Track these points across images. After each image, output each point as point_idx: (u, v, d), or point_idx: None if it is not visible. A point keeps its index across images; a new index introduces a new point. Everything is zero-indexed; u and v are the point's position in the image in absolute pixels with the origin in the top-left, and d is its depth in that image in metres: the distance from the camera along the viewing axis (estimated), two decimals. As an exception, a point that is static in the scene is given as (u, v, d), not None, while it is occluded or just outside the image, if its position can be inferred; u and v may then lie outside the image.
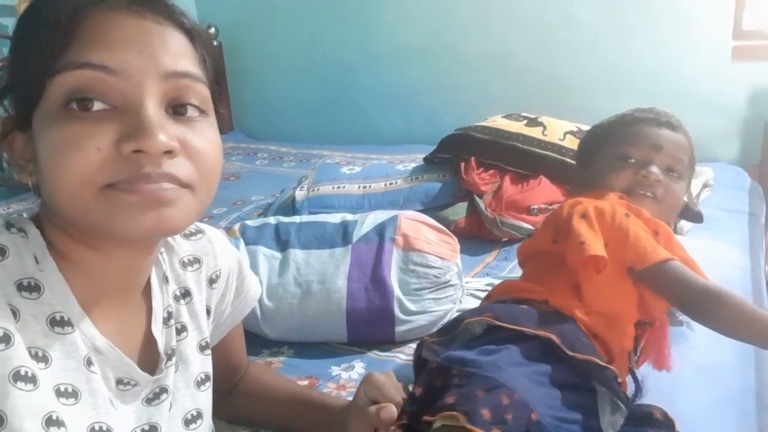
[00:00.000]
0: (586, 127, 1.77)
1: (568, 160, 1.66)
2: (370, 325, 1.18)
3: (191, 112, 0.56)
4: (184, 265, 0.73)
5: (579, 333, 0.86)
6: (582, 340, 0.85)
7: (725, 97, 2.16)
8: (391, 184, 1.77)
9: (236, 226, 1.33)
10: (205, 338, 0.74)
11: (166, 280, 0.70)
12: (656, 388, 1.00)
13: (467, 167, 1.70)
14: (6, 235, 0.55)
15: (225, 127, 3.01)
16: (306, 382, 1.09)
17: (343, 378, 1.10)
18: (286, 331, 1.21)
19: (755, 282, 1.42)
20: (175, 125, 0.54)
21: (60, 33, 0.52)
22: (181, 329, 0.71)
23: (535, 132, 1.73)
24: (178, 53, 0.55)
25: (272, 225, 1.33)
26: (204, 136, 0.56)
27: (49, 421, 0.51)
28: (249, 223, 1.36)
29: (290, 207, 1.78)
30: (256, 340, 1.22)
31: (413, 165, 1.87)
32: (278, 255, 1.26)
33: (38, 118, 0.53)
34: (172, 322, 0.69)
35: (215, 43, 2.89)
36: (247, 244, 1.28)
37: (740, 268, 1.45)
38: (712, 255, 1.48)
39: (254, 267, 1.24)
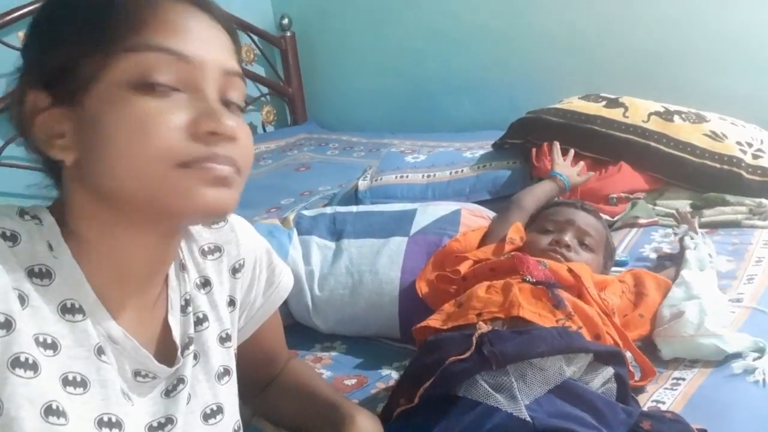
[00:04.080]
0: (674, 107, 1.61)
1: (653, 144, 1.51)
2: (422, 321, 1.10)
3: (233, 106, 0.58)
4: (203, 253, 0.71)
5: None
6: None
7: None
8: (456, 172, 1.68)
9: (291, 216, 1.30)
10: (225, 330, 0.71)
11: (183, 267, 0.68)
12: (747, 407, 0.87)
13: (539, 153, 1.58)
14: (19, 222, 0.55)
15: (299, 117, 3.04)
16: (354, 381, 1.03)
17: (393, 378, 1.04)
18: (337, 323, 1.17)
19: None
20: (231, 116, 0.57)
21: (131, 16, 0.54)
22: (202, 319, 0.69)
23: (615, 114, 1.58)
24: (230, 52, 0.59)
25: (329, 215, 1.29)
26: (245, 129, 0.58)
27: (49, 411, 0.50)
28: (305, 212, 1.33)
29: (353, 197, 1.73)
30: (309, 333, 1.19)
31: (481, 152, 1.76)
32: (332, 245, 1.22)
33: (98, 96, 0.53)
34: (190, 309, 0.67)
35: (288, 33, 2.90)
36: (300, 233, 1.24)
37: None
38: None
39: (307, 257, 1.21)
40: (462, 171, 1.68)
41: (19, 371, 0.49)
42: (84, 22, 0.54)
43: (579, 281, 0.98)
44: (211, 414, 0.67)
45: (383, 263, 1.15)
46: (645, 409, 0.88)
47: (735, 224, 1.38)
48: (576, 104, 1.65)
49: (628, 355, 0.94)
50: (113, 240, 0.57)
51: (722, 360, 0.96)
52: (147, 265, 0.61)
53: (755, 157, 1.46)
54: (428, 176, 1.70)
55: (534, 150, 1.60)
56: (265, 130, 2.94)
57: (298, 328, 1.19)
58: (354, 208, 1.32)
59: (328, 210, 1.32)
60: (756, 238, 1.31)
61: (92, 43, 0.53)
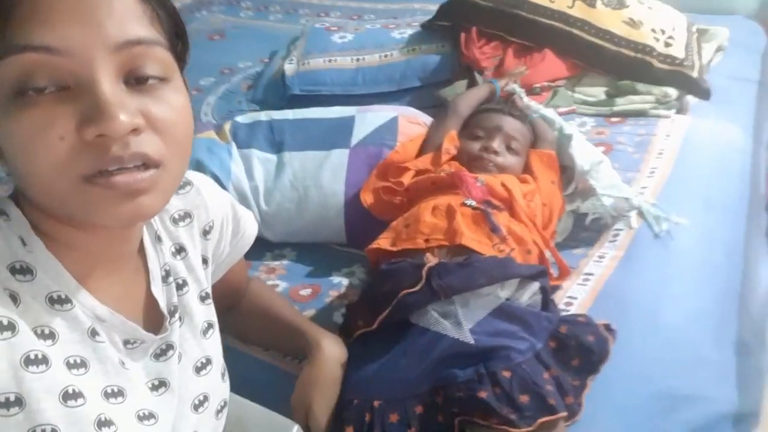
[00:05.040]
0: (597, -9, 1.63)
1: (575, 31, 1.55)
2: (368, 231, 1.18)
3: (152, 79, 0.52)
4: (174, 221, 0.72)
5: None
6: None
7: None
8: (386, 56, 1.66)
9: (227, 126, 1.28)
10: (204, 289, 0.75)
11: (159, 239, 0.69)
12: (642, 298, 1.05)
13: (468, 40, 1.59)
14: None
15: (203, -34, 2.75)
16: (309, 291, 1.13)
17: (344, 285, 1.14)
18: (286, 234, 1.23)
19: (754, 166, 1.42)
20: (137, 98, 0.50)
21: None
22: (182, 284, 0.72)
23: (541, -2, 1.59)
24: (126, 17, 0.50)
25: (265, 122, 1.29)
26: (169, 104, 0.52)
27: (66, 396, 0.54)
28: (240, 120, 1.31)
29: (280, 82, 1.69)
30: (258, 242, 1.23)
31: (410, 32, 1.74)
32: (273, 158, 1.24)
33: None
34: (171, 279, 0.70)
35: None
36: (239, 147, 1.24)
37: (741, 150, 1.43)
38: (715, 136, 1.46)
39: (249, 172, 1.22)
40: (391, 55, 1.66)
41: (32, 368, 0.51)
42: None
43: (511, 195, 1.09)
44: (202, 366, 0.72)
45: (327, 177, 1.20)
46: (562, 305, 1.04)
47: (642, 113, 1.50)
48: (505, -14, 1.64)
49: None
50: (72, 234, 0.57)
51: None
52: (112, 248, 0.61)
53: (666, 45, 1.55)
54: (357, 60, 1.67)
55: (463, 35, 1.60)
56: (166, -16, 2.67)
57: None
58: (290, 114, 1.31)
59: (263, 116, 1.31)
60: (660, 129, 1.45)
61: None
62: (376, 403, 0.82)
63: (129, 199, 0.51)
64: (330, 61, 1.68)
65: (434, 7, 2.08)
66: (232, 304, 0.96)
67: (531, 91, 1.53)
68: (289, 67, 1.69)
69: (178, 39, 0.56)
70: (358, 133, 1.23)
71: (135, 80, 0.51)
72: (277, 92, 1.70)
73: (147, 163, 0.51)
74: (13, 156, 0.50)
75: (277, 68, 1.77)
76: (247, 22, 2.37)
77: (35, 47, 0.46)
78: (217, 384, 0.76)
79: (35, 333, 0.53)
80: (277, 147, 1.24)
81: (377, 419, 0.81)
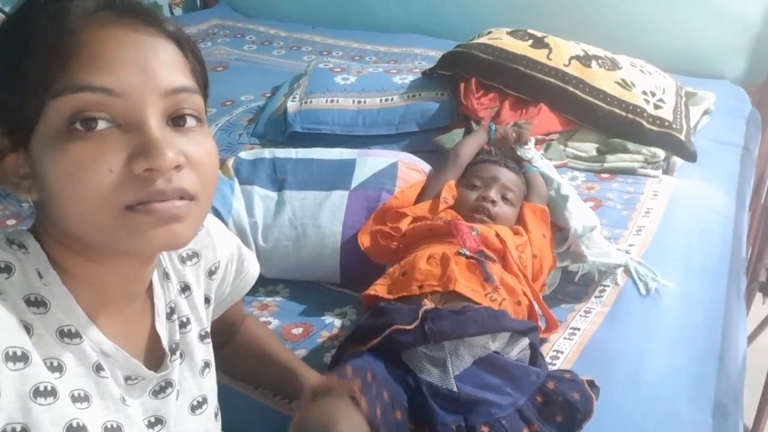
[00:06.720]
0: (593, 50, 1.71)
1: (571, 88, 1.61)
2: (362, 273, 1.21)
3: (189, 122, 0.57)
4: (182, 260, 0.74)
5: None
6: None
7: (739, 8, 2.05)
8: (387, 100, 1.71)
9: (230, 162, 1.31)
10: (204, 328, 0.77)
11: (167, 276, 0.72)
12: (625, 354, 1.08)
13: (467, 90, 1.64)
14: (8, 252, 0.57)
15: (210, -1, 2.83)
16: (300, 330, 1.14)
17: (336, 326, 1.16)
18: (280, 270, 1.25)
19: (736, 229, 1.47)
20: (178, 138, 0.55)
21: (55, 54, 0.51)
22: (185, 322, 0.74)
23: (539, 55, 1.65)
24: (173, 67, 0.56)
25: (268, 160, 1.32)
26: (203, 146, 0.57)
27: (71, 429, 0.55)
28: (243, 156, 1.34)
29: (282, 119, 1.73)
30: (252, 277, 1.26)
31: (411, 78, 1.79)
32: (274, 195, 1.26)
33: (39, 141, 0.53)
34: (175, 316, 0.72)
35: None
36: (241, 183, 1.27)
37: (724, 214, 1.48)
38: (699, 198, 1.51)
39: (249, 208, 1.25)
40: (392, 99, 1.71)
41: (41, 400, 0.53)
42: (18, 68, 0.52)
43: (504, 246, 1.13)
44: (198, 405, 0.74)
45: (326, 217, 1.22)
46: (548, 358, 1.07)
47: (631, 171, 1.56)
48: (505, 41, 1.70)
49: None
50: (89, 269, 0.59)
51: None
52: (126, 286, 0.64)
53: (656, 107, 1.61)
54: (359, 102, 1.72)
55: (462, 85, 1.66)
56: (172, 13, 2.73)
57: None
58: (293, 153, 1.34)
59: (267, 154, 1.34)
60: (647, 188, 1.50)
61: (28, 88, 0.51)
62: None
63: (165, 225, 0.54)
64: (332, 101, 1.73)
65: (434, 53, 2.17)
66: (226, 340, 0.97)
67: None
68: (291, 105, 1.73)
69: (204, 90, 0.61)
70: (359, 176, 1.27)
71: (175, 122, 0.56)
72: (278, 128, 1.74)
73: (183, 197, 0.55)
74: (56, 185, 0.53)
75: (279, 104, 1.82)
76: (250, 56, 2.42)
77: (94, 88, 0.51)
78: (210, 423, 0.78)
79: (46, 365, 0.55)
80: (278, 185, 1.27)
81: None
